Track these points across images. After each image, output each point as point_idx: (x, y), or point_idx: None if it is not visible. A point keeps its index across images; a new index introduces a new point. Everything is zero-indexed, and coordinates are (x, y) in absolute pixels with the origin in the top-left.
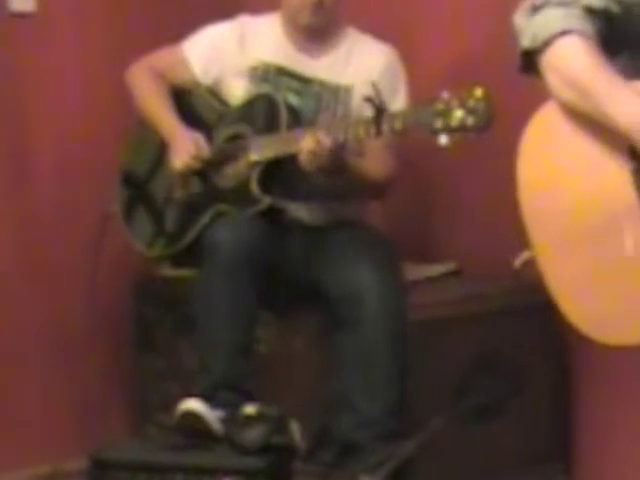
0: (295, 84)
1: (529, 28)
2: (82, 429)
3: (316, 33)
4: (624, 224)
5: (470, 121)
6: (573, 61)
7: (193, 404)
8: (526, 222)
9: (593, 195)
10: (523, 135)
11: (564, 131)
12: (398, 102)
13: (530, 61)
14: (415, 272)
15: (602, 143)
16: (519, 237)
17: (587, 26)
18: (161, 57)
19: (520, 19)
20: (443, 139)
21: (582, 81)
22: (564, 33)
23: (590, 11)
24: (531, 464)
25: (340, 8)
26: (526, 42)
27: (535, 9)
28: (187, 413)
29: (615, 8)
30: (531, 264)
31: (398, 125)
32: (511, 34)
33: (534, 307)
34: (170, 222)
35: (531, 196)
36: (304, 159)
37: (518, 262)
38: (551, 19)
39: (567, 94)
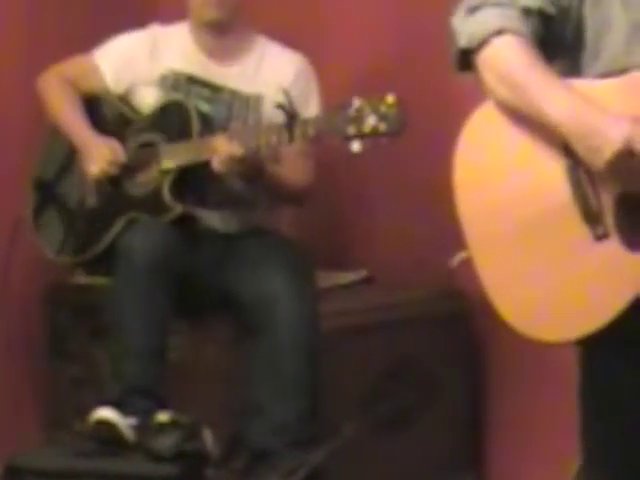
0: (206, 92)
1: (466, 28)
2: None
3: (223, 34)
4: (559, 220)
5: (382, 127)
6: (508, 59)
7: (106, 412)
8: (461, 221)
9: (528, 192)
10: (460, 134)
11: (500, 129)
12: (310, 109)
13: (467, 61)
14: (327, 280)
15: (537, 140)
16: (433, 244)
17: (523, 26)
18: (73, 65)
19: (457, 20)
20: (355, 145)
21: (517, 79)
22: (500, 32)
23: (526, 12)
24: (443, 472)
25: (246, 12)
26: (463, 42)
27: (471, 10)
28: (100, 420)
29: (551, 10)
30: (467, 264)
31: (310, 132)
32: (429, 39)
33: (446, 315)
34: (81, 229)
35: (466, 194)
36: (217, 166)
37: (454, 262)
38: (487, 19)
39: (502, 92)
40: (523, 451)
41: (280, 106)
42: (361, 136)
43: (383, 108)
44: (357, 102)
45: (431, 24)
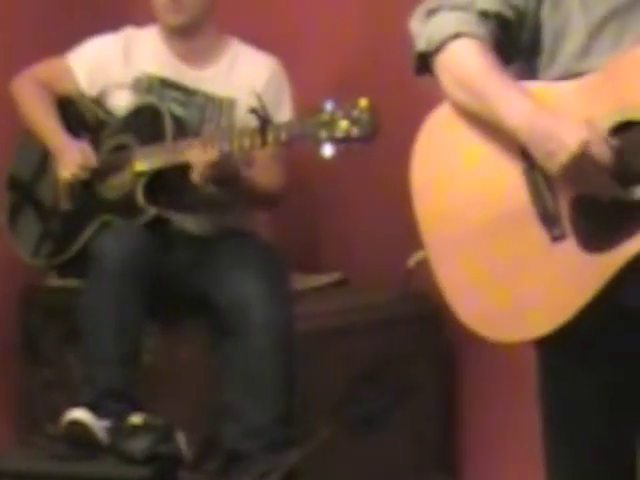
0: (179, 96)
1: (424, 32)
2: None
3: (193, 37)
4: (516, 222)
5: (355, 131)
6: (465, 62)
7: (79, 414)
8: (419, 223)
9: (486, 194)
10: (417, 136)
11: (457, 132)
12: (283, 113)
13: (426, 64)
14: (301, 282)
15: (495, 143)
16: (406, 246)
17: (480, 29)
18: (46, 68)
19: (415, 23)
20: (328, 150)
21: (473, 82)
22: (457, 36)
23: (484, 15)
24: (418, 473)
25: (218, 15)
26: (421, 45)
27: (429, 13)
28: (73, 423)
29: (509, 14)
30: (424, 264)
31: (283, 136)
32: (404, 39)
33: (421, 317)
34: (55, 232)
35: (424, 197)
36: (192, 171)
37: (411, 262)
38: (445, 23)
39: (459, 95)
40: (496, 452)
41: (253, 110)
42: (334, 140)
43: (356, 112)
44: (330, 106)
45: (404, 27)
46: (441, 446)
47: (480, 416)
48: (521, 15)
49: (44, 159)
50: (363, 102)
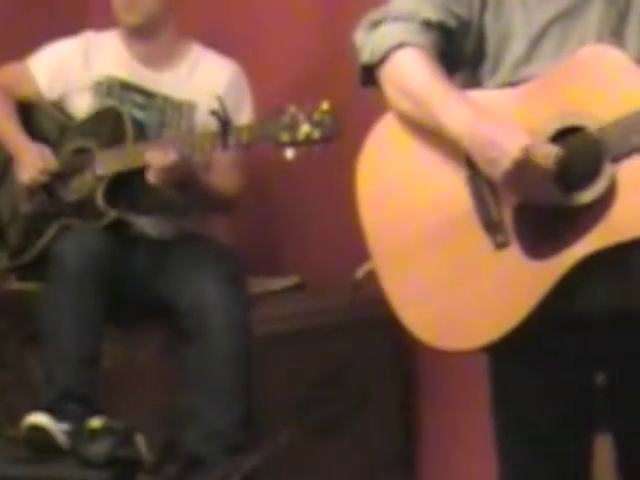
0: (139, 98)
1: (368, 43)
2: None
3: (151, 40)
4: (461, 230)
5: (316, 134)
6: (408, 72)
7: (39, 417)
8: (366, 232)
9: (431, 203)
10: (363, 146)
11: (402, 141)
12: (244, 116)
13: (371, 75)
14: (259, 286)
15: (439, 152)
16: (364, 250)
17: (423, 39)
18: (6, 73)
19: (359, 34)
20: (289, 152)
21: (417, 92)
22: (400, 46)
23: (427, 25)
24: (377, 477)
25: (177, 18)
26: (365, 57)
27: (373, 24)
28: (33, 426)
29: (452, 23)
30: (372, 275)
31: (244, 139)
32: (352, 49)
33: (379, 320)
34: (15, 235)
35: (370, 206)
36: (150, 173)
37: (360, 273)
38: (388, 33)
39: (403, 104)
40: (456, 454)
41: (214, 113)
42: (295, 143)
43: (317, 115)
44: (291, 109)
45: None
46: (399, 449)
47: (439, 421)
48: (464, 24)
49: (4, 163)
50: (325, 105)
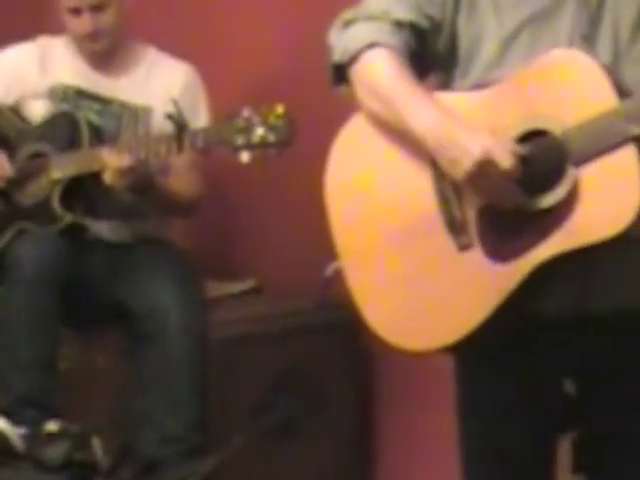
0: (95, 105)
1: (340, 42)
2: None
3: (107, 56)
4: (425, 230)
5: (271, 138)
6: (377, 72)
7: None
8: (333, 230)
9: (397, 201)
10: (332, 146)
11: (370, 141)
12: (199, 120)
13: (342, 75)
14: (216, 289)
15: (406, 152)
16: (320, 254)
17: (394, 39)
18: None
19: (332, 34)
20: (244, 156)
21: (384, 92)
22: (371, 46)
23: (398, 25)
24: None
25: (132, 24)
26: (337, 56)
27: (346, 24)
28: None
29: (424, 23)
30: (341, 272)
31: (199, 142)
32: (318, 49)
33: (336, 325)
34: None
35: (338, 204)
36: (107, 177)
37: (329, 271)
38: (360, 33)
39: (372, 104)
40: (413, 458)
41: (169, 116)
42: (250, 146)
43: (272, 118)
44: (246, 112)
45: (323, 33)
46: (357, 454)
47: (396, 425)
48: (437, 25)
49: None
50: (279, 108)
